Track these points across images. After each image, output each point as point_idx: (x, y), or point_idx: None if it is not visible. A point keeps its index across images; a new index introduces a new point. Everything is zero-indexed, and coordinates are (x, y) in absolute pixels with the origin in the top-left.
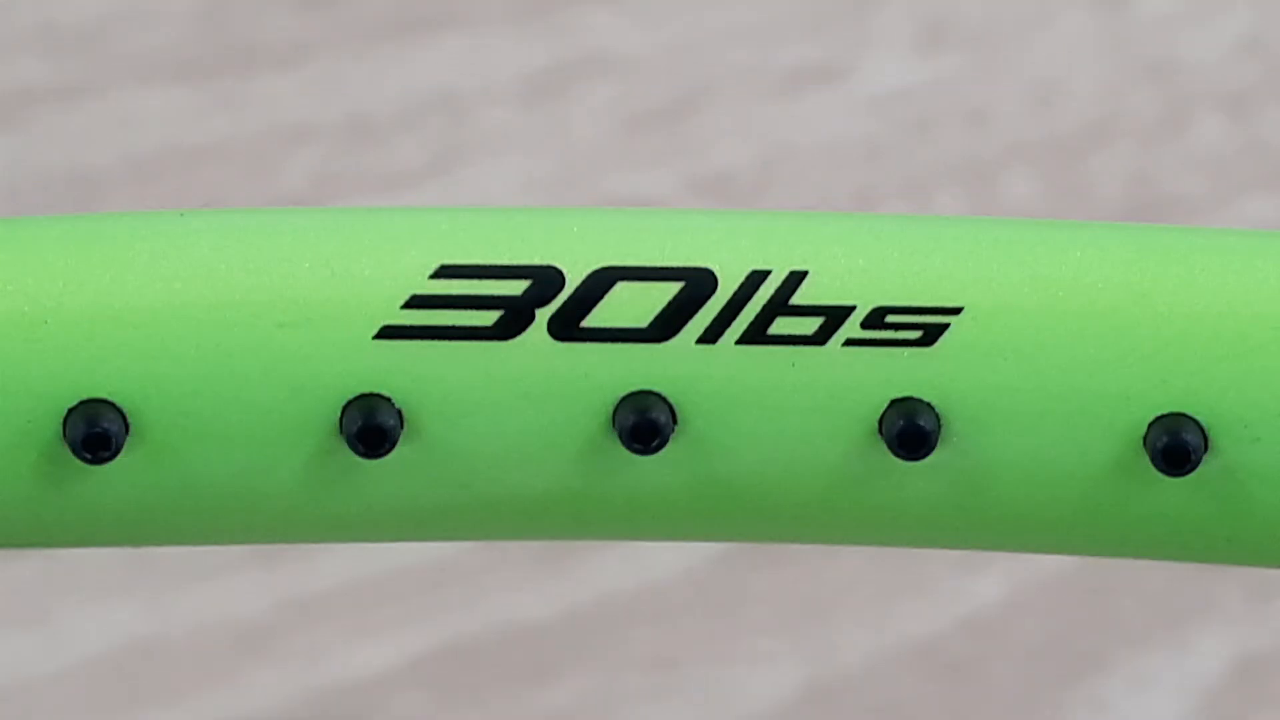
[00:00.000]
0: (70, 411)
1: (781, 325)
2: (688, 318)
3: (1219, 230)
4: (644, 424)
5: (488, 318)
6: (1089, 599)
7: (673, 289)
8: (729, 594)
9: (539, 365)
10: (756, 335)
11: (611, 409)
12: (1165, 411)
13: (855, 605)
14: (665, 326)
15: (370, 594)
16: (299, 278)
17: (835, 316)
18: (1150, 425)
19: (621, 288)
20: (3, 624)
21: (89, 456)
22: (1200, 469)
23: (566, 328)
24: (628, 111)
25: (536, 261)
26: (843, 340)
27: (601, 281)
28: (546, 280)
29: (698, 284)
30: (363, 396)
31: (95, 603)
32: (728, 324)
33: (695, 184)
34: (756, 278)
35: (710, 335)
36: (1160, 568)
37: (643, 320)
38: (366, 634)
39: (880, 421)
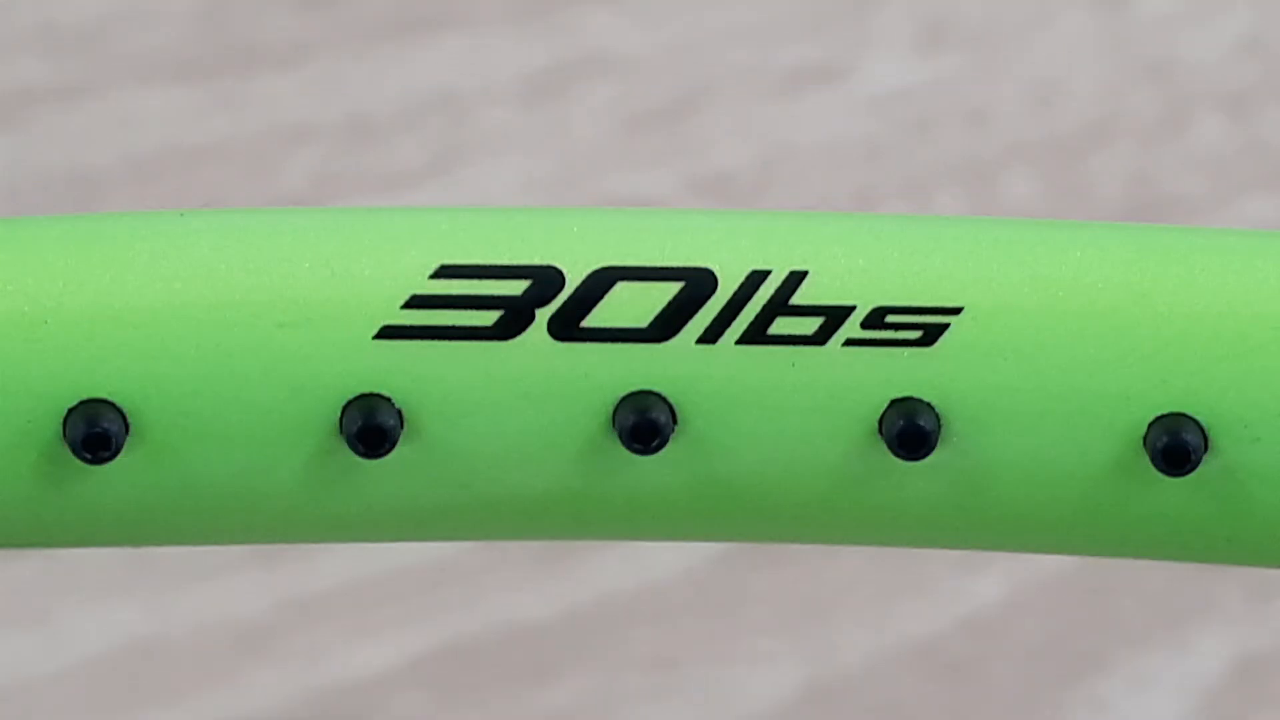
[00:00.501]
0: (70, 411)
1: (781, 325)
2: (688, 318)
3: (1219, 230)
4: (644, 424)
5: (488, 318)
6: (1089, 599)
7: (673, 289)
8: (729, 594)
9: (539, 365)
10: (756, 335)
11: (611, 409)
12: (1165, 411)
13: (855, 605)
14: (665, 326)
15: (370, 594)
16: (299, 278)
17: (835, 316)
18: (1150, 425)
19: (621, 288)
20: (3, 624)
21: (89, 456)
22: (1200, 469)
23: (566, 328)
24: (628, 111)
25: (536, 261)
26: (843, 340)
27: (601, 281)
28: (546, 280)
29: (698, 284)
30: (363, 396)
31: (95, 603)
32: (728, 324)
33: (695, 184)
34: (756, 278)
35: (710, 335)
36: (1160, 568)
37: (643, 320)
38: (366, 634)
39: (880, 421)
